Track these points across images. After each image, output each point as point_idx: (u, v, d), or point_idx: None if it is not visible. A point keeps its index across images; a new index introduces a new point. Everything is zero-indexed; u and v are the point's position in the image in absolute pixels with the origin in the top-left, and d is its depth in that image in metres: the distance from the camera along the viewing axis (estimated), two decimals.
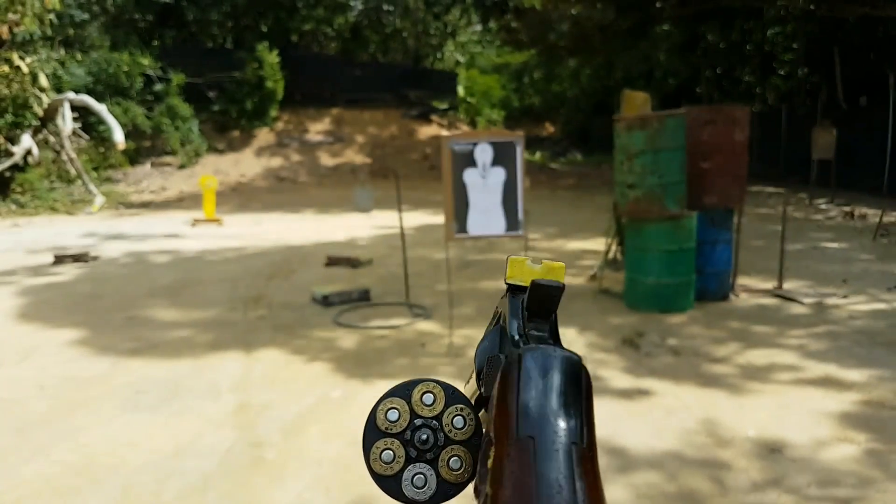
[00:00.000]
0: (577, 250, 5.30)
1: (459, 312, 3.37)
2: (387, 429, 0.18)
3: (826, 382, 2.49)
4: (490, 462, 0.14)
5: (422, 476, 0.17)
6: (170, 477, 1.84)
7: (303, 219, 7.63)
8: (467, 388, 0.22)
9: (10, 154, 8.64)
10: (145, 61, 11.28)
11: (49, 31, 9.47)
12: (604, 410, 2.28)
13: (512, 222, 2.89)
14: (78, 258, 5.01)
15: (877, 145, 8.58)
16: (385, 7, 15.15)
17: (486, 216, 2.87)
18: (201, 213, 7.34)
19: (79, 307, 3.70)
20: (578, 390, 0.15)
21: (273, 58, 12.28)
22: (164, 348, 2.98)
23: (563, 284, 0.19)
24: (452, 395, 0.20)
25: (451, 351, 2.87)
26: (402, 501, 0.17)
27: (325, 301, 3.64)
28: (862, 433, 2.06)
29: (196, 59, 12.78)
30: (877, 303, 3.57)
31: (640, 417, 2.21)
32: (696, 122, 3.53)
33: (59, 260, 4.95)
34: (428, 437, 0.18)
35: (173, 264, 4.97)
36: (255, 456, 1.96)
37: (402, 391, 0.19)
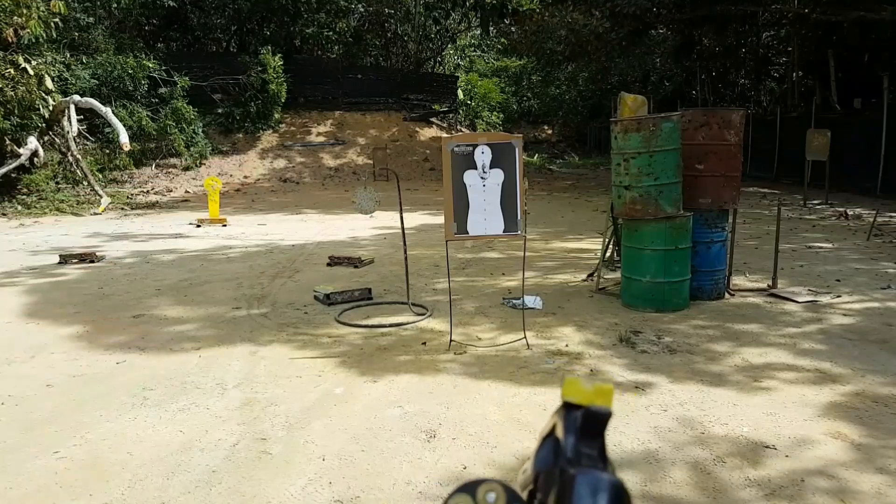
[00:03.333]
0: (574, 250, 5.34)
1: (459, 311, 3.42)
2: None
3: (819, 380, 2.53)
4: None
5: None
6: (176, 472, 1.88)
7: (306, 219, 7.69)
8: (519, 480, 0.24)
9: (16, 156, 8.72)
10: (150, 64, 11.38)
11: (55, 35, 9.57)
12: None
13: (511, 223, 2.95)
14: (84, 258, 5.07)
15: (870, 147, 8.63)
16: (387, 10, 15.25)
17: (485, 217, 2.93)
18: (206, 214, 7.40)
19: (85, 306, 3.75)
20: None
21: (276, 61, 12.38)
22: (170, 346, 3.03)
23: (611, 411, 0.21)
24: (513, 497, 0.23)
25: (451, 349, 2.93)
26: None
27: (328, 300, 3.70)
28: (855, 430, 2.09)
29: (201, 62, 12.89)
30: (870, 302, 3.62)
31: (636, 414, 2.25)
32: (692, 124, 3.59)
33: (65, 260, 5.02)
34: None
35: (178, 264, 5.03)
36: (261, 451, 2.00)
37: (469, 489, 0.21)
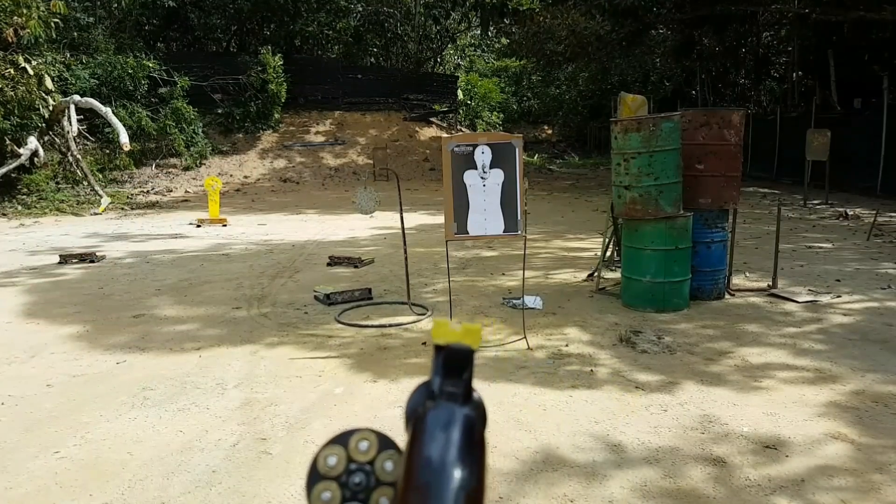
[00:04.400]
0: (574, 250, 5.35)
1: (460, 311, 3.42)
2: (326, 473, 0.20)
3: (819, 380, 2.53)
4: None
5: None
6: (176, 472, 1.88)
7: (306, 219, 7.69)
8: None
9: (16, 156, 8.72)
10: (150, 64, 11.38)
11: (54, 35, 9.57)
12: (600, 408, 2.33)
13: (510, 223, 2.95)
14: (84, 258, 5.07)
15: (870, 147, 8.63)
16: (386, 9, 15.25)
17: (485, 217, 2.93)
18: (206, 214, 7.40)
19: (85, 306, 3.75)
20: (472, 442, 0.18)
21: (276, 61, 12.38)
22: (170, 346, 3.03)
23: (472, 349, 0.22)
24: (385, 442, 0.23)
25: None
26: None
27: (328, 300, 3.70)
28: (855, 430, 2.09)
29: (200, 62, 12.88)
30: (870, 302, 3.62)
31: (636, 415, 2.25)
32: (692, 124, 3.59)
33: (65, 260, 5.02)
34: (361, 480, 0.20)
35: (179, 264, 5.03)
36: (261, 451, 2.00)
37: (342, 439, 0.21)
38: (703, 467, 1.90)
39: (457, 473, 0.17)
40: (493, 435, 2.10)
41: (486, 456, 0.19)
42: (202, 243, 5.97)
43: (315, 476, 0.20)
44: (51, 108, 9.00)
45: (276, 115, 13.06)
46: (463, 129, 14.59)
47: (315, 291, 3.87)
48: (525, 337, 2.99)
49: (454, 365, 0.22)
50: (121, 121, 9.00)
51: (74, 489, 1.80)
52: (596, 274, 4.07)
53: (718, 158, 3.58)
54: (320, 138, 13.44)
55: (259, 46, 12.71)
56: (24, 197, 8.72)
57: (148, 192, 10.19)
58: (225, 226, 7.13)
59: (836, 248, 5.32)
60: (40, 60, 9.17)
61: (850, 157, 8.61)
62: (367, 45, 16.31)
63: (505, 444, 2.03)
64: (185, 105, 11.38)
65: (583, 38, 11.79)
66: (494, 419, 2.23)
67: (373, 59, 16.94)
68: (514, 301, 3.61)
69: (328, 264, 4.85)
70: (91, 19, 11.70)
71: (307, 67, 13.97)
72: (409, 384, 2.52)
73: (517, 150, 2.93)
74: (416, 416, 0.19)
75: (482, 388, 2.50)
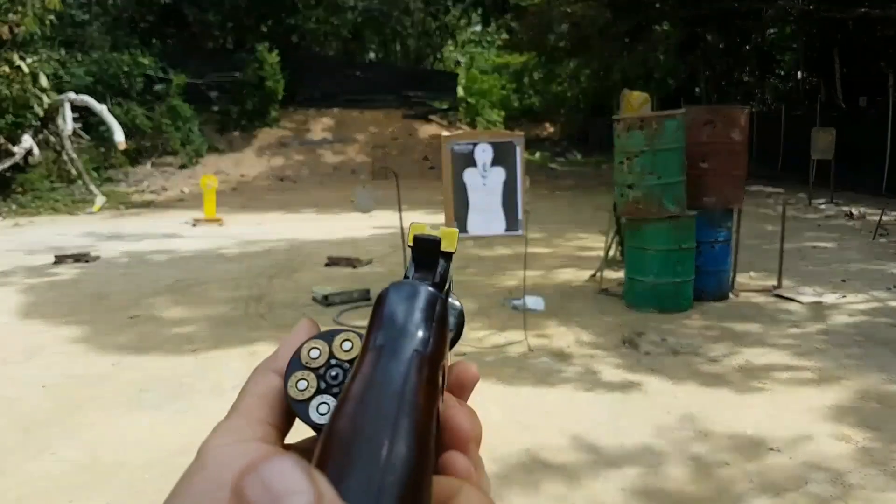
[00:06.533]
0: (576, 250, 5.31)
1: None
2: (307, 363, 0.21)
3: (823, 381, 2.50)
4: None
5: (326, 405, 0.20)
6: (174, 474, 1.78)
7: (303, 219, 7.65)
8: None
9: (10, 154, 8.66)
10: (146, 62, 11.29)
11: (49, 32, 9.48)
12: (602, 408, 2.30)
13: (511, 222, 2.91)
14: (79, 258, 5.02)
15: (876, 145, 8.59)
16: (383, 7, 15.16)
17: (485, 216, 2.89)
18: (202, 213, 7.35)
19: (81, 306, 3.72)
20: (432, 314, 0.18)
21: (273, 58, 12.29)
22: (167, 347, 3.00)
23: (439, 238, 0.22)
24: None
25: (451, 349, 2.88)
26: (307, 423, 0.20)
27: (326, 301, 3.66)
28: (859, 432, 2.08)
29: (197, 59, 12.79)
30: (875, 302, 3.59)
31: (639, 416, 2.23)
32: (696, 122, 3.55)
33: (60, 260, 4.97)
34: (338, 374, 0.20)
35: (175, 264, 4.99)
36: None
37: (327, 336, 0.21)
38: (706, 469, 1.87)
39: (411, 336, 0.18)
40: (494, 436, 2.07)
41: (447, 333, 0.19)
42: (198, 243, 5.92)
43: (296, 365, 0.21)
44: (46, 106, 8.93)
45: (274, 113, 12.98)
46: (463, 127, 14.52)
47: (313, 292, 3.83)
48: (526, 338, 2.96)
49: (425, 257, 0.22)
50: (116, 119, 8.94)
51: (71, 491, 1.78)
52: (598, 274, 4.03)
53: (722, 157, 3.54)
54: (318, 136, 13.37)
55: (256, 43, 12.61)
56: (19, 196, 8.66)
57: (143, 190, 10.13)
58: (221, 225, 7.09)
59: (841, 247, 5.30)
60: (35, 58, 9.09)
61: (855, 155, 8.57)
62: (365, 41, 16.22)
63: (507, 446, 2.00)
64: (181, 103, 11.31)
65: (583, 29, 11.73)
66: (496, 420, 2.19)
67: (372, 56, 16.85)
68: (515, 302, 3.57)
69: (326, 264, 4.81)
70: (86, 16, 11.61)
71: (305, 64, 13.87)
72: None
73: (518, 148, 2.88)
74: (383, 289, 0.19)
75: (483, 388, 2.47)
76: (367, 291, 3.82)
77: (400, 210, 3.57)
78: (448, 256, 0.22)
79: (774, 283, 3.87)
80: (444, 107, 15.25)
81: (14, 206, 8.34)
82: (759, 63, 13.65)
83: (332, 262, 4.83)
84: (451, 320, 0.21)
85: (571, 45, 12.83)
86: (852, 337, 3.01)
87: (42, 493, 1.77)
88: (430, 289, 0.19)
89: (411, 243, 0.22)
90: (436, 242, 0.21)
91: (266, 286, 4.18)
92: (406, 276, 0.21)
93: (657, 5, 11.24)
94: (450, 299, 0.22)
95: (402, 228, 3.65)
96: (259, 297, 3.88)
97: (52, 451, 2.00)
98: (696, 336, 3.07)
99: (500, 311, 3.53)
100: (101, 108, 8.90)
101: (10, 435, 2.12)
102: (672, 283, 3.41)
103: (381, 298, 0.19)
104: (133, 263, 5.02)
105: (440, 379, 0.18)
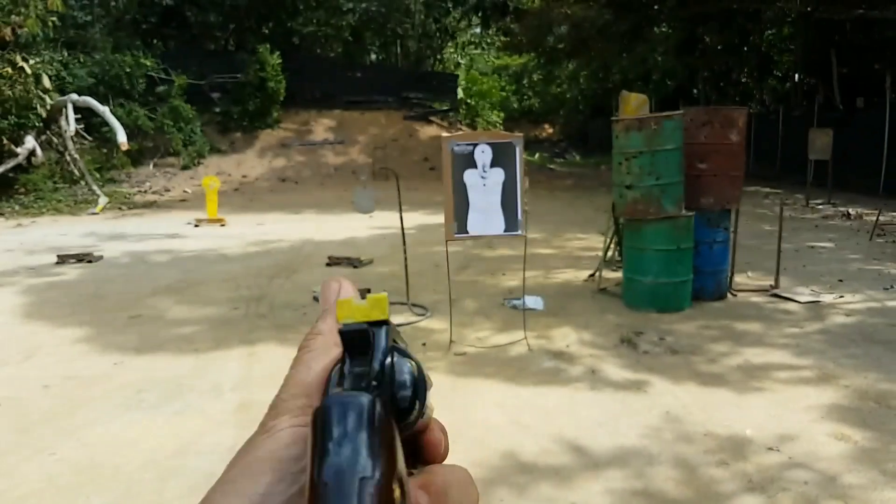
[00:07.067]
0: (575, 250, 5.32)
1: (460, 311, 3.40)
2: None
3: (822, 381, 2.51)
4: None
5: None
6: (172, 475, 1.86)
7: (304, 219, 7.67)
8: None
9: (13, 155, 8.69)
10: (148, 63, 11.33)
11: (52, 33, 9.52)
12: (602, 408, 2.31)
13: (511, 222, 2.92)
14: (81, 258, 5.04)
15: (873, 146, 8.60)
16: (382, 9, 15.19)
17: (485, 216, 2.90)
18: (204, 214, 7.37)
19: (82, 307, 3.73)
20: (374, 429, 0.17)
21: (275, 59, 12.32)
22: (166, 347, 3.01)
23: (366, 326, 0.20)
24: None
25: (451, 349, 2.90)
26: None
27: None
28: (858, 431, 2.08)
29: (198, 60, 12.82)
30: (872, 302, 3.60)
31: (638, 415, 2.23)
32: (694, 123, 3.56)
33: (63, 260, 4.99)
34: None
35: (176, 264, 5.01)
36: None
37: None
38: (705, 469, 1.88)
39: (360, 461, 0.17)
40: (494, 437, 2.08)
41: (394, 445, 0.18)
42: (200, 243, 5.94)
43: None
44: (48, 107, 8.96)
45: (275, 114, 13.00)
46: (463, 128, 14.54)
47: (314, 292, 3.84)
48: (526, 337, 2.96)
49: (357, 343, 0.20)
50: (118, 120, 8.96)
51: (70, 492, 1.79)
52: (597, 274, 4.04)
53: (721, 158, 3.55)
54: (319, 137, 13.40)
55: (257, 44, 12.64)
56: (22, 196, 8.69)
57: (145, 191, 10.15)
58: (223, 225, 7.10)
59: (839, 247, 5.31)
60: (38, 59, 9.13)
61: (852, 156, 8.58)
62: (366, 43, 16.25)
63: (506, 447, 2.01)
64: (182, 104, 11.33)
65: (583, 30, 11.74)
66: (496, 421, 2.20)
67: (372, 58, 16.88)
68: (515, 301, 3.58)
69: (327, 264, 4.83)
70: (88, 17, 11.66)
71: (306, 66, 13.90)
72: None
73: (518, 149, 2.90)
74: (317, 409, 0.18)
75: (483, 389, 2.48)
76: (368, 291, 3.81)
77: (401, 210, 3.59)
78: (383, 325, 0.20)
79: (772, 282, 3.88)
80: (445, 108, 15.27)
81: (17, 207, 8.37)
82: (757, 64, 13.66)
83: (333, 261, 4.84)
84: (407, 390, 0.20)
85: (570, 47, 12.85)
86: (850, 337, 3.01)
87: (40, 493, 1.77)
88: (365, 400, 0.17)
89: (352, 321, 0.20)
90: (363, 331, 0.20)
91: (266, 286, 4.19)
92: (342, 372, 0.20)
93: (656, 6, 11.26)
94: (404, 366, 0.20)
95: (402, 228, 3.66)
96: (259, 298, 3.89)
97: (52, 451, 2.00)
98: (695, 336, 3.08)
99: (500, 310, 3.54)
100: (104, 110, 8.93)
101: (8, 435, 2.13)
102: (671, 283, 3.42)
103: (318, 421, 0.17)
104: (134, 264, 5.04)
105: (398, 493, 0.17)
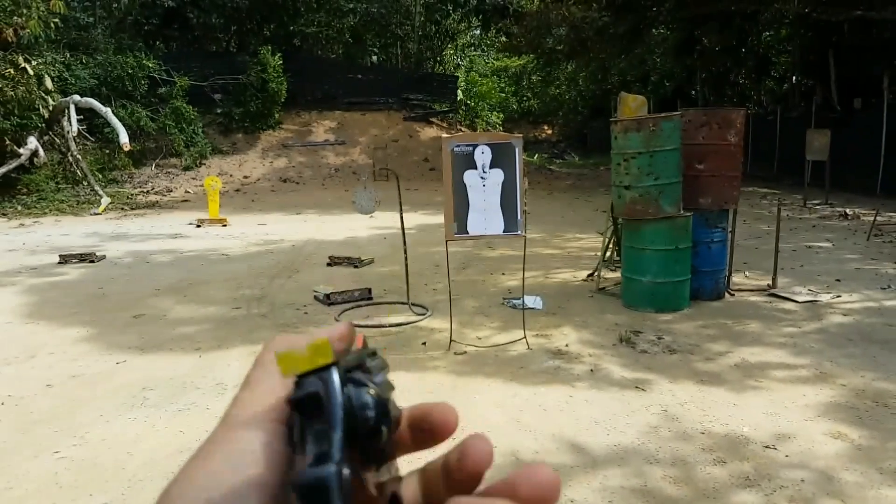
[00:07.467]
0: (574, 250, 5.35)
1: (460, 311, 3.42)
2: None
3: (819, 380, 2.52)
4: None
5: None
6: (174, 474, 1.88)
7: (306, 219, 7.69)
8: None
9: (16, 156, 8.72)
10: (150, 64, 11.37)
11: (54, 35, 9.56)
12: (601, 407, 2.33)
13: (511, 222, 2.95)
14: (83, 258, 5.07)
15: (871, 147, 8.62)
16: (383, 11, 15.24)
17: (485, 216, 2.93)
18: (206, 214, 7.40)
19: (84, 306, 3.75)
20: (343, 500, 0.16)
21: (276, 61, 12.37)
22: (168, 347, 3.03)
23: (316, 390, 0.19)
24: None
25: (451, 349, 2.92)
26: None
27: (328, 300, 3.70)
28: (855, 430, 2.10)
29: (200, 62, 12.87)
30: (870, 302, 3.61)
31: (636, 414, 2.25)
32: (692, 124, 3.59)
33: (65, 260, 5.02)
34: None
35: (178, 264, 5.03)
36: None
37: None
38: (703, 468, 1.89)
39: None
40: (493, 436, 2.09)
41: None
42: (202, 243, 5.96)
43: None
44: (50, 108, 9.00)
45: (276, 115, 13.04)
46: (463, 129, 14.57)
47: (315, 291, 3.87)
48: (525, 337, 2.99)
49: (308, 404, 0.19)
50: (120, 121, 8.99)
51: (73, 490, 1.80)
52: (596, 274, 4.07)
53: (719, 158, 3.58)
54: (320, 138, 13.43)
55: (258, 46, 12.69)
56: (24, 197, 8.72)
57: (148, 192, 10.18)
58: (225, 226, 7.13)
59: (836, 247, 5.32)
60: (40, 60, 9.17)
61: (850, 156, 8.61)
62: (366, 44, 16.30)
63: (506, 446, 2.03)
64: (184, 105, 11.37)
65: (582, 32, 11.77)
66: (495, 421, 2.22)
67: (373, 59, 16.93)
68: (514, 301, 3.60)
69: (328, 264, 4.85)
70: (91, 19, 11.70)
71: (307, 67, 13.95)
72: (408, 384, 2.51)
73: (517, 149, 2.92)
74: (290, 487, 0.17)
75: (483, 388, 2.50)
76: (369, 290, 3.86)
77: (401, 211, 3.61)
78: (331, 368, 0.19)
79: (770, 282, 3.90)
80: (445, 109, 15.31)
81: (19, 207, 8.40)
82: (756, 65, 13.70)
83: (334, 261, 4.86)
84: (370, 420, 0.19)
85: (569, 48, 12.88)
86: (847, 336, 3.03)
87: (44, 491, 1.78)
88: (322, 476, 0.17)
89: (297, 374, 0.19)
90: (314, 395, 0.18)
91: (268, 286, 4.21)
92: (302, 433, 0.18)
93: (654, 8, 11.29)
94: (363, 398, 0.19)
95: (402, 229, 3.68)
96: (261, 297, 3.91)
97: (55, 450, 2.02)
98: (693, 335, 3.09)
99: (500, 310, 3.56)
100: (106, 110, 8.96)
101: (12, 434, 2.14)
102: (669, 283, 3.44)
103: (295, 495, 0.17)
104: (137, 264, 5.06)
105: None
